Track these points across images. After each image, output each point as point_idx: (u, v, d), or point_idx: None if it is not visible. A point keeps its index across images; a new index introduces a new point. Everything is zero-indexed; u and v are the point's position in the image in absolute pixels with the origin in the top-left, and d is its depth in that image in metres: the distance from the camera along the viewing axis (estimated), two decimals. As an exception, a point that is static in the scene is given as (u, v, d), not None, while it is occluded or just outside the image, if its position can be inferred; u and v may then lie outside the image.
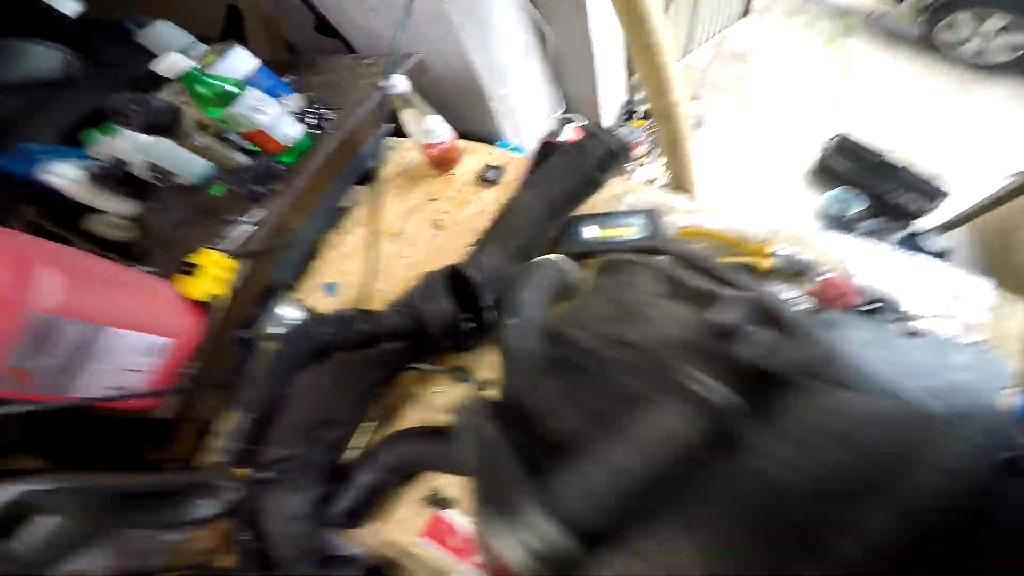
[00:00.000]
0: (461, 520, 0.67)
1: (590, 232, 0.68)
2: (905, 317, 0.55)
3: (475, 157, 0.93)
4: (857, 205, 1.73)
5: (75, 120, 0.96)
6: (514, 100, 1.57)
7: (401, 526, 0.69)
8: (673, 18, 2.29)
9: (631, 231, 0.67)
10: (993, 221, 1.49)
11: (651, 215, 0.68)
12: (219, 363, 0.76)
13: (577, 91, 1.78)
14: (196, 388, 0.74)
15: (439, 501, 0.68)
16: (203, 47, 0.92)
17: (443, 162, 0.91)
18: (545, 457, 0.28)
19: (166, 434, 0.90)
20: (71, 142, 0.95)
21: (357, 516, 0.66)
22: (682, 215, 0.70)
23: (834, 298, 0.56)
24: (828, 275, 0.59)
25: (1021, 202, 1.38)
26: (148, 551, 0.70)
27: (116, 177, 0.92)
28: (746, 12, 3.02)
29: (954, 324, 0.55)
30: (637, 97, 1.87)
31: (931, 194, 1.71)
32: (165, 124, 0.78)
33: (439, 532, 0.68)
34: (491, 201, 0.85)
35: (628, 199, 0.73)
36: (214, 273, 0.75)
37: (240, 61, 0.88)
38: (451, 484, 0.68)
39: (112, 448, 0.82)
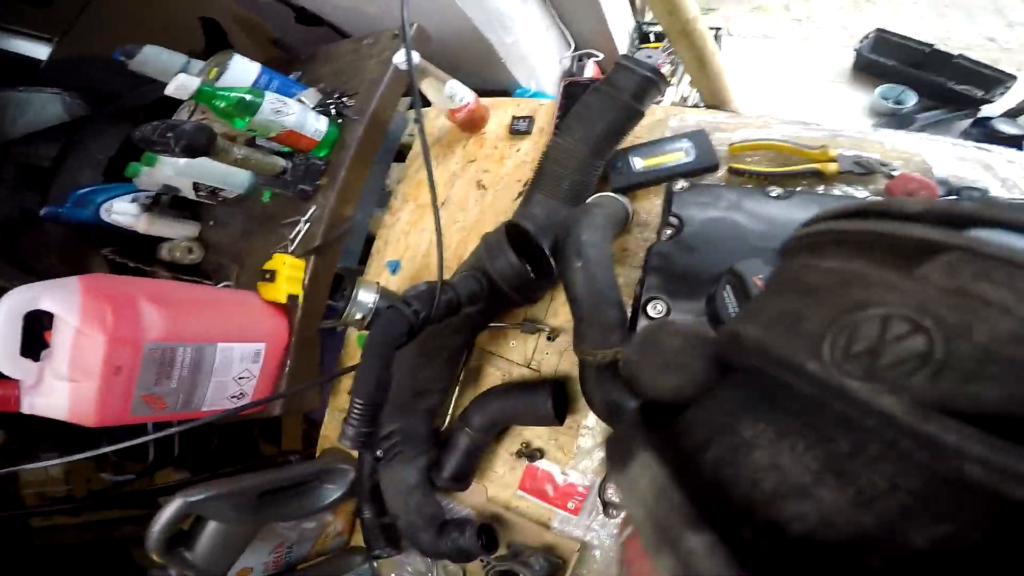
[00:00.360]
0: (553, 468, 0.72)
1: (638, 163, 0.68)
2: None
3: (502, 112, 0.93)
4: (910, 98, 1.60)
5: (109, 157, 1.01)
6: (523, 46, 1.52)
7: (500, 482, 0.75)
8: None
9: (680, 156, 0.66)
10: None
11: (698, 136, 0.66)
12: (309, 357, 0.83)
13: (584, 25, 1.69)
14: (298, 385, 0.81)
15: (531, 453, 0.72)
16: (199, 63, 0.92)
17: (472, 123, 0.91)
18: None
19: (276, 430, 1.00)
20: (112, 179, 1.00)
21: (463, 478, 0.72)
22: (731, 131, 0.68)
23: (914, 192, 0.54)
24: (900, 171, 0.57)
25: None
26: (295, 542, 0.80)
27: (169, 204, 0.98)
28: None
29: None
30: (647, 18, 1.76)
31: (995, 79, 1.54)
32: (202, 144, 0.81)
33: (535, 483, 0.73)
34: (529, 151, 0.85)
35: (672, 123, 0.72)
36: (288, 275, 0.81)
37: (243, 69, 0.89)
38: (540, 435, 0.73)
39: (235, 451, 0.92)
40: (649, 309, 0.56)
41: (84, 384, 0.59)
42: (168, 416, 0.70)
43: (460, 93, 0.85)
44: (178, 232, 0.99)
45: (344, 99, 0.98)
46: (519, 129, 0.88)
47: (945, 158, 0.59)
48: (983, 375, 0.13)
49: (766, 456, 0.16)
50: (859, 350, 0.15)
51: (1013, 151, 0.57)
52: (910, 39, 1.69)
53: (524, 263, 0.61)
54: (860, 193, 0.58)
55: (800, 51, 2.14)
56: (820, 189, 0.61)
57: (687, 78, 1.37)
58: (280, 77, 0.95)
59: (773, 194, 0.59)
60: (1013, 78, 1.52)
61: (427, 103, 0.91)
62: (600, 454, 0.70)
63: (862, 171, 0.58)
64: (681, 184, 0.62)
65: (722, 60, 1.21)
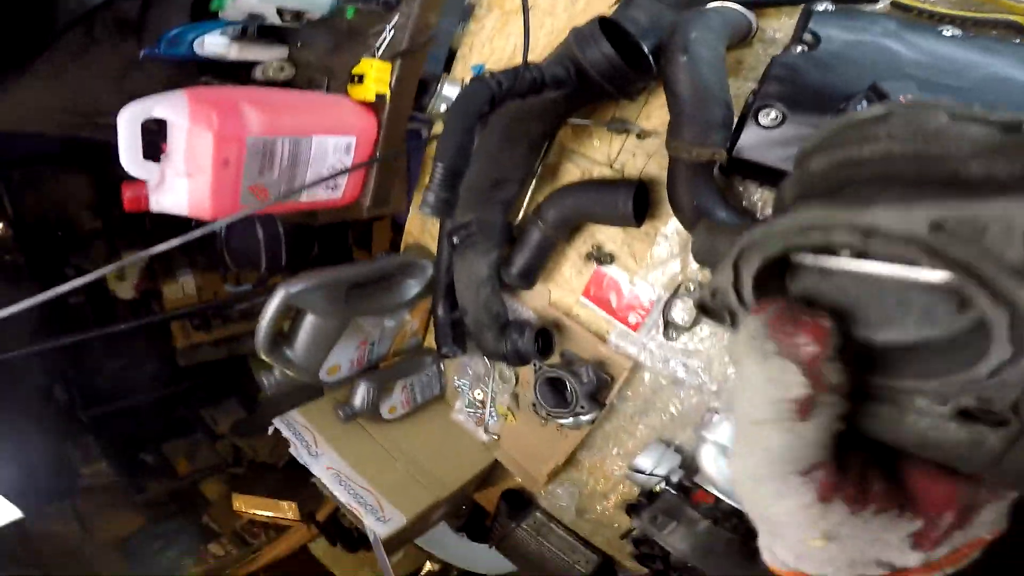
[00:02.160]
0: (621, 277, 0.71)
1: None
2: None
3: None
4: None
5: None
6: None
7: (566, 286, 0.76)
8: None
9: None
10: None
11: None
12: (397, 150, 0.86)
13: None
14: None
15: (601, 256, 0.72)
16: None
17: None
18: None
19: (368, 237, 1.09)
20: (202, 16, 1.00)
21: (531, 275, 0.73)
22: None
23: None
24: None
25: None
26: (376, 340, 0.89)
27: (257, 33, 0.98)
28: None
29: None
30: None
31: None
32: None
33: (600, 291, 0.73)
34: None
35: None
36: (376, 76, 0.83)
37: None
38: (613, 238, 0.72)
39: (333, 257, 1.02)
40: (761, 116, 0.51)
41: (199, 178, 0.67)
42: (274, 207, 0.77)
43: None
44: (269, 55, 1.00)
45: None
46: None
47: None
48: None
49: None
50: None
51: None
52: None
53: (616, 52, 0.57)
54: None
55: None
56: (1017, 40, 0.50)
57: None
58: None
59: (947, 33, 0.50)
60: None
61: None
62: (673, 267, 0.69)
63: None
64: (826, 5, 0.54)
65: None
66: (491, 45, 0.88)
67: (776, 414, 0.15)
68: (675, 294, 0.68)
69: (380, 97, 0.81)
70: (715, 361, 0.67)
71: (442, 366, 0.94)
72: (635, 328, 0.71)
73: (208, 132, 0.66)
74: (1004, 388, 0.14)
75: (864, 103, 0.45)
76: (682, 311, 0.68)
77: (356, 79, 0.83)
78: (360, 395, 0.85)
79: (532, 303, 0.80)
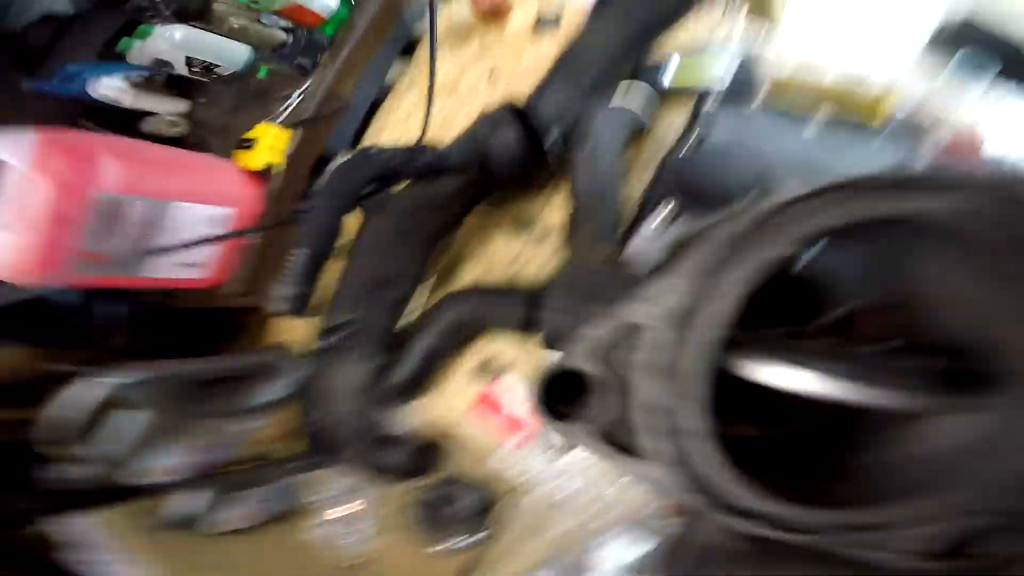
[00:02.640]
0: (515, 390, 0.68)
1: (672, 70, 0.61)
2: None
3: (528, 6, 0.83)
4: (991, 67, 1.47)
5: (105, 38, 0.93)
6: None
7: (452, 398, 0.70)
8: None
9: (718, 72, 0.59)
10: None
11: (743, 60, 0.59)
12: (281, 237, 0.78)
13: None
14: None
15: (495, 369, 0.68)
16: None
17: (495, 12, 0.82)
18: None
19: (236, 327, 0.97)
20: (109, 57, 0.91)
21: (414, 387, 0.66)
22: (779, 59, 0.61)
23: (967, 155, 0.49)
24: (958, 131, 0.51)
25: None
26: (221, 443, 0.76)
27: (160, 80, 0.91)
28: None
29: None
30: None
31: None
32: (196, 8, 0.75)
33: (489, 406, 0.69)
34: (550, 49, 0.77)
35: (716, 38, 0.64)
36: (270, 143, 0.77)
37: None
38: (509, 349, 0.68)
39: (189, 346, 0.89)
40: (654, 215, 0.54)
41: (26, 235, 0.56)
42: (113, 279, 0.66)
43: None
44: (165, 107, 0.92)
45: None
46: (545, 22, 0.79)
47: (1009, 124, 0.53)
48: None
49: None
50: None
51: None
52: (994, 38, 1.53)
53: (524, 137, 0.55)
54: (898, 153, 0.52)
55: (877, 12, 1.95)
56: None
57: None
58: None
59: (813, 129, 0.53)
60: None
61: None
62: None
63: (912, 127, 0.51)
64: (712, 102, 0.56)
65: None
66: (406, 125, 0.85)
67: None
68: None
69: (268, 169, 0.74)
70: (599, 481, 0.66)
71: (303, 476, 0.83)
72: (523, 446, 0.68)
73: (48, 180, 0.56)
74: None
75: (750, 198, 0.47)
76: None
77: (246, 144, 0.76)
78: (187, 502, 0.69)
79: (414, 416, 0.73)
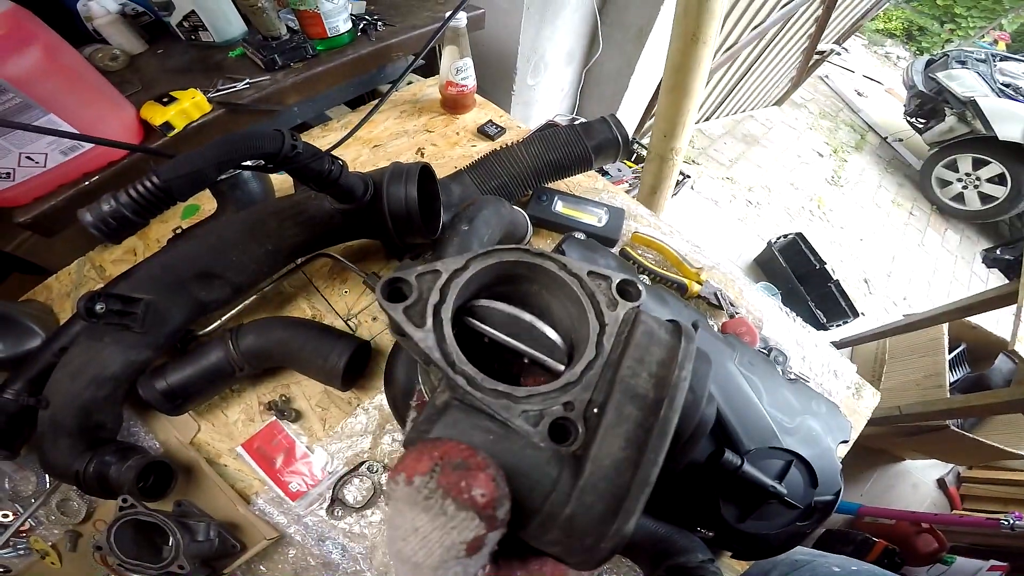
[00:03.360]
0: (299, 439, 0.62)
1: (558, 206, 0.72)
2: (788, 367, 0.62)
3: (484, 112, 0.96)
4: (777, 293, 1.92)
5: None
6: (537, 93, 1.62)
7: (224, 428, 0.63)
8: (718, 80, 2.41)
9: (593, 219, 0.71)
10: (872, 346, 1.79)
11: (616, 213, 0.72)
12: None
13: (595, 110, 1.86)
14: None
15: (286, 411, 0.62)
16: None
17: (456, 104, 0.93)
18: None
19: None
20: None
21: (182, 400, 0.57)
22: (642, 224, 0.75)
23: (740, 335, 0.61)
24: (741, 315, 0.65)
25: (898, 340, 1.65)
26: None
27: (146, 20, 0.93)
28: (781, 100, 3.23)
29: (820, 386, 0.65)
30: (642, 140, 1.97)
31: (845, 313, 1.90)
32: None
33: (266, 446, 0.61)
34: (481, 151, 0.87)
35: (603, 195, 0.78)
36: (185, 108, 0.75)
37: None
38: (308, 394, 0.64)
39: None
40: None
41: None
42: None
43: (467, 73, 0.89)
44: (123, 44, 0.90)
45: (379, 23, 0.98)
46: (488, 132, 0.90)
47: (777, 324, 0.69)
48: None
49: None
50: None
51: (823, 339, 0.70)
52: (811, 252, 2.01)
53: (416, 201, 0.56)
54: (692, 315, 0.64)
55: (732, 228, 2.43)
56: (674, 296, 0.65)
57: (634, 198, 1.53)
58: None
59: (646, 280, 0.64)
60: (857, 316, 1.90)
61: (428, 72, 0.91)
62: (363, 443, 0.63)
63: (715, 303, 0.65)
64: (579, 235, 0.65)
65: (668, 198, 1.37)
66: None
67: (451, 554, 0.18)
68: (354, 471, 0.61)
69: (165, 128, 0.72)
70: (379, 549, 0.59)
71: None
72: (294, 497, 0.59)
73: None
74: (584, 390, 0.23)
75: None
76: (357, 490, 0.61)
77: (165, 99, 0.74)
78: None
79: (165, 433, 0.62)
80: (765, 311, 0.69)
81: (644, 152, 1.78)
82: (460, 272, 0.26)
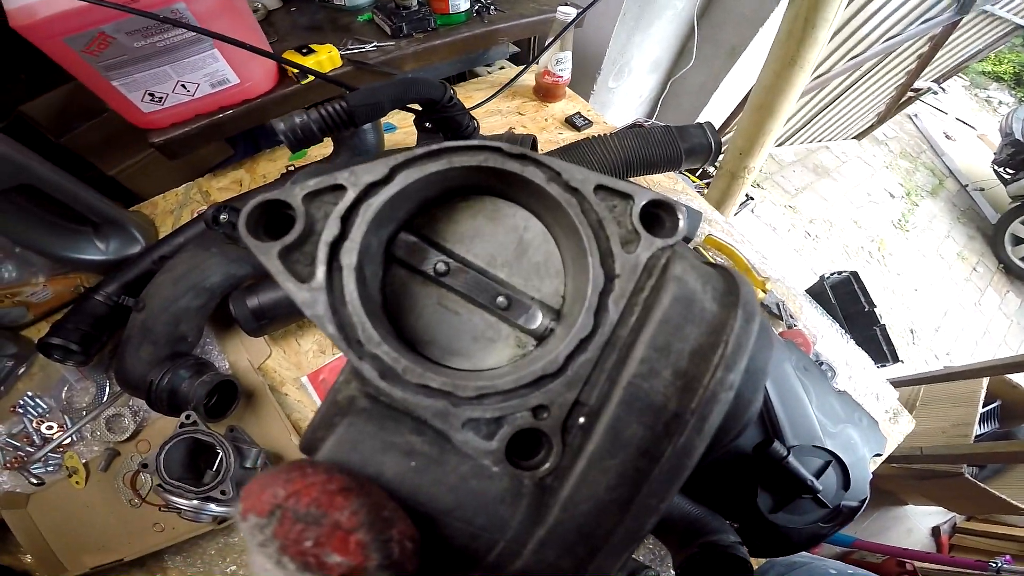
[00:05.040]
0: None
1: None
2: (834, 382, 0.65)
3: (573, 104, 1.01)
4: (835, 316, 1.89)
5: None
6: (616, 97, 1.65)
7: (295, 357, 0.64)
8: (800, 106, 2.36)
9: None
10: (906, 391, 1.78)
11: (693, 214, 0.76)
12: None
13: (672, 119, 1.87)
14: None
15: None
16: None
17: (548, 93, 0.99)
18: None
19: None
20: None
21: (267, 320, 0.58)
22: (716, 229, 0.79)
23: (796, 345, 0.65)
24: (798, 328, 0.68)
25: (933, 388, 1.67)
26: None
27: None
28: (862, 135, 3.10)
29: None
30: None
31: (885, 357, 1.85)
32: None
33: (332, 379, 0.62)
34: (567, 139, 0.93)
35: (681, 197, 0.82)
36: (321, 60, 0.83)
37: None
38: None
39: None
40: None
41: None
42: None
43: (565, 66, 0.95)
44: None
45: (492, 8, 1.05)
46: (575, 122, 0.96)
47: (831, 342, 0.72)
48: None
49: None
50: None
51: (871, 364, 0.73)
52: (863, 293, 1.96)
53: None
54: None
55: (783, 254, 2.38)
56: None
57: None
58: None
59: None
60: (898, 362, 1.86)
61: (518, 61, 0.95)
62: None
63: (776, 313, 0.68)
64: None
65: (731, 215, 1.38)
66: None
67: None
68: None
69: (300, 75, 0.80)
70: None
71: (16, 367, 0.64)
72: None
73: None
74: (568, 386, 0.15)
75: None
76: None
77: (305, 50, 0.83)
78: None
79: (236, 354, 0.64)
80: (821, 328, 0.72)
81: (711, 168, 1.78)
82: (377, 187, 0.17)
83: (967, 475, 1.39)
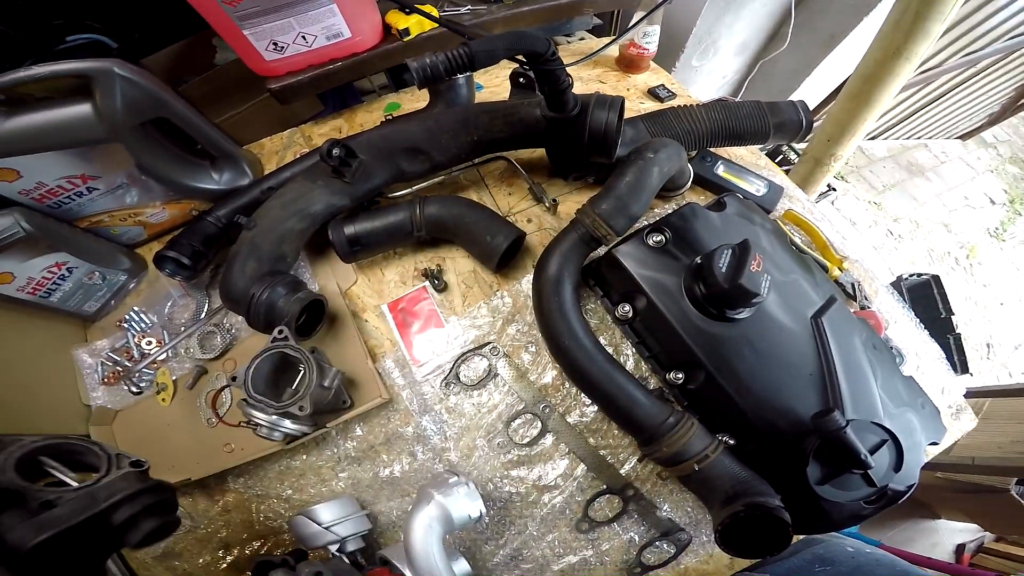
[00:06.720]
0: (440, 309, 0.67)
1: (720, 169, 0.77)
2: (902, 368, 0.64)
3: (656, 76, 1.01)
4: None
5: None
6: (698, 76, 1.61)
7: (378, 285, 0.68)
8: (902, 99, 2.20)
9: (752, 187, 0.75)
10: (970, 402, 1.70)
11: (774, 188, 0.76)
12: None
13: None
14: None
15: (436, 279, 0.68)
16: None
17: (632, 64, 1.00)
18: None
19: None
20: None
21: (359, 248, 0.63)
22: (796, 205, 0.78)
23: (871, 324, 0.64)
24: (872, 310, 0.68)
25: (999, 403, 1.58)
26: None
27: None
28: (969, 135, 2.84)
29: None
30: (795, 144, 1.87)
31: (955, 367, 1.73)
32: None
33: (409, 310, 0.66)
34: (649, 109, 0.93)
35: (764, 172, 0.81)
36: (420, 20, 0.87)
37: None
38: (459, 270, 0.69)
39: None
40: (648, 236, 0.61)
41: None
42: None
43: (652, 39, 0.95)
44: None
45: None
46: (658, 94, 0.96)
47: (904, 329, 0.72)
48: None
49: None
50: None
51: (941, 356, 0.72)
52: (942, 299, 1.82)
53: (616, 127, 0.62)
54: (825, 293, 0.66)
55: (861, 250, 2.26)
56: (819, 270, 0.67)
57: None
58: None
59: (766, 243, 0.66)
60: (963, 373, 1.70)
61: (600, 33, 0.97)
62: (492, 326, 0.67)
63: (850, 293, 0.68)
64: (739, 196, 0.70)
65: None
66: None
67: None
68: (477, 350, 0.65)
69: (403, 33, 0.85)
70: (471, 431, 0.62)
71: (128, 281, 0.72)
72: (419, 363, 0.64)
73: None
74: None
75: (729, 252, 0.55)
76: (473, 370, 0.64)
77: (407, 8, 0.87)
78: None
79: (325, 278, 0.69)
80: (896, 314, 0.71)
81: (792, 155, 1.70)
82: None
83: (1014, 492, 1.35)
